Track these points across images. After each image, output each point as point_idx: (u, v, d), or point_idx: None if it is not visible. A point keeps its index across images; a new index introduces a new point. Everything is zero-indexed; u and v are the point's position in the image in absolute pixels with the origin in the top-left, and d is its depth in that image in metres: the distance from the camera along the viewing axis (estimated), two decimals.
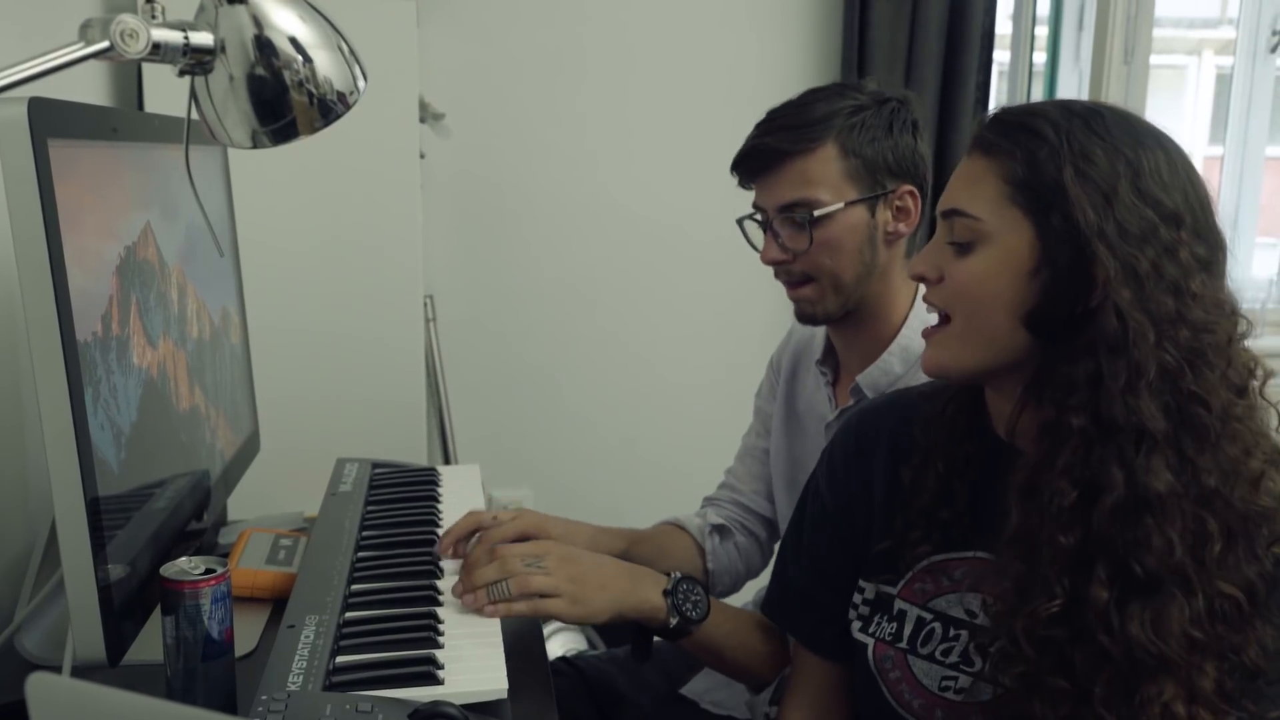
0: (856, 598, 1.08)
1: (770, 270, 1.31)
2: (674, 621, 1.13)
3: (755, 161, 1.28)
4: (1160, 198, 0.88)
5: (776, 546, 1.26)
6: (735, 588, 1.48)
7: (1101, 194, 0.88)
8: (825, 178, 1.24)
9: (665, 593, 1.13)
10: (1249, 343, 0.92)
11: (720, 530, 1.44)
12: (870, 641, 1.05)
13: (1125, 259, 0.87)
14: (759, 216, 1.31)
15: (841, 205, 1.24)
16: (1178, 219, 0.88)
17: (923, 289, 1.09)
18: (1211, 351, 0.88)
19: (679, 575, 1.15)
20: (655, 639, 1.18)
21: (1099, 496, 0.87)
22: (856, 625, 1.07)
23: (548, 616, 1.11)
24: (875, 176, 1.26)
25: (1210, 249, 0.90)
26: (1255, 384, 0.91)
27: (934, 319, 1.00)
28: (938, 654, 1.01)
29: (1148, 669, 0.86)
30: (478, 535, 1.20)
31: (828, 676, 1.12)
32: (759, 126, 1.29)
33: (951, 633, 1.00)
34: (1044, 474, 0.90)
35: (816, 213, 1.24)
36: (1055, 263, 0.89)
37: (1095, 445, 0.87)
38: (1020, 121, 0.93)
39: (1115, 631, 0.86)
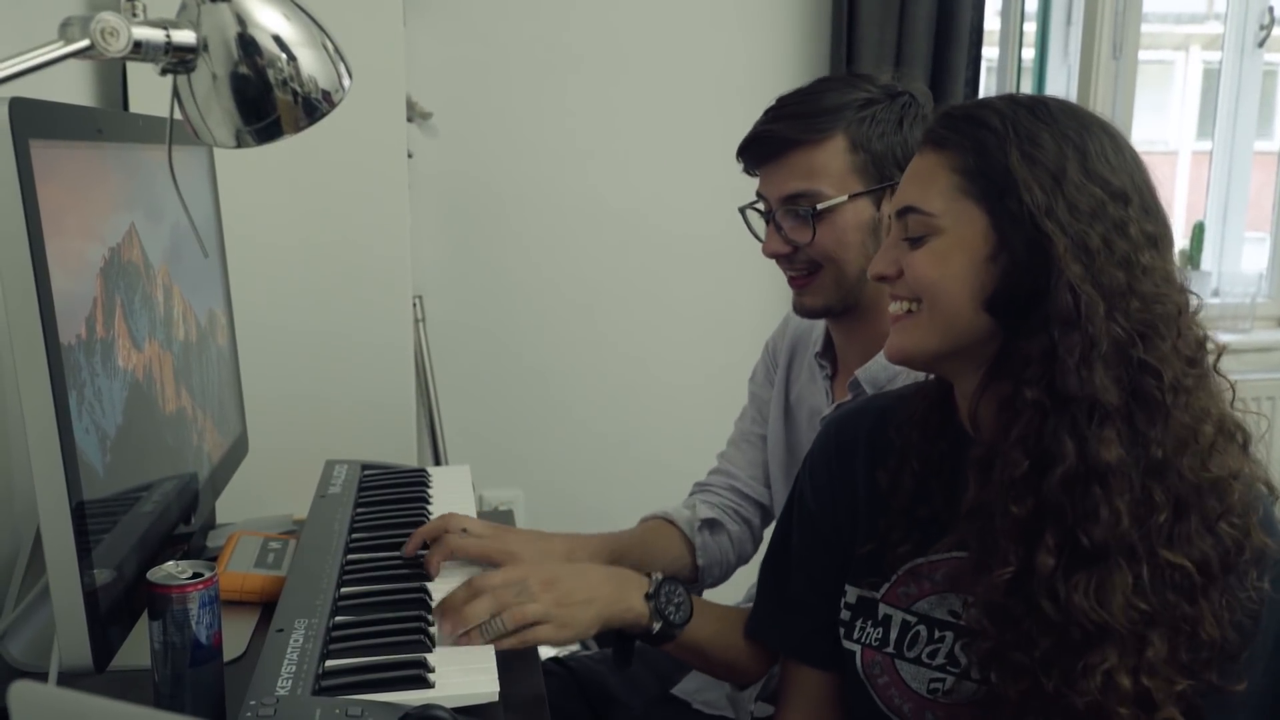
0: (839, 602, 1.08)
1: (761, 266, 1.30)
2: (657, 626, 1.12)
3: (762, 148, 1.26)
4: (1108, 177, 0.90)
5: (768, 532, 1.24)
6: (725, 577, 1.46)
7: (1050, 175, 0.90)
8: (831, 170, 1.23)
9: (647, 596, 1.12)
10: (1239, 338, 0.93)
11: (711, 524, 1.43)
12: (858, 648, 1.05)
13: (1076, 235, 0.88)
14: (761, 206, 1.30)
15: (845, 199, 1.23)
16: (1125, 197, 0.90)
17: None
18: (1162, 323, 0.89)
19: (660, 578, 1.14)
20: (637, 643, 1.17)
21: (1050, 466, 0.88)
22: (840, 631, 1.07)
23: (536, 645, 1.08)
24: (883, 170, 1.24)
25: (1158, 227, 0.92)
26: (1208, 357, 0.93)
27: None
28: (924, 657, 1.01)
29: (1091, 637, 0.87)
30: (438, 542, 1.17)
31: (821, 686, 1.11)
32: (768, 112, 1.27)
33: (936, 635, 1.00)
34: (999, 447, 0.91)
35: (820, 206, 1.23)
36: (1012, 247, 0.91)
37: (1049, 417, 0.89)
38: (967, 114, 0.95)
39: (1060, 600, 0.88)
